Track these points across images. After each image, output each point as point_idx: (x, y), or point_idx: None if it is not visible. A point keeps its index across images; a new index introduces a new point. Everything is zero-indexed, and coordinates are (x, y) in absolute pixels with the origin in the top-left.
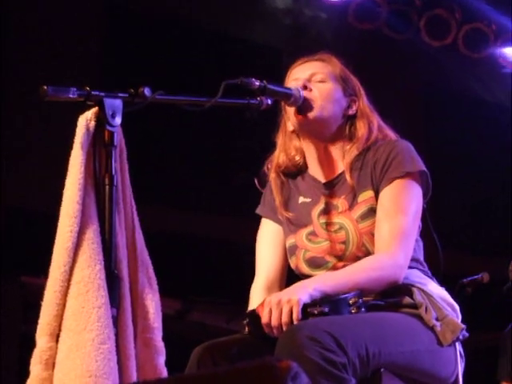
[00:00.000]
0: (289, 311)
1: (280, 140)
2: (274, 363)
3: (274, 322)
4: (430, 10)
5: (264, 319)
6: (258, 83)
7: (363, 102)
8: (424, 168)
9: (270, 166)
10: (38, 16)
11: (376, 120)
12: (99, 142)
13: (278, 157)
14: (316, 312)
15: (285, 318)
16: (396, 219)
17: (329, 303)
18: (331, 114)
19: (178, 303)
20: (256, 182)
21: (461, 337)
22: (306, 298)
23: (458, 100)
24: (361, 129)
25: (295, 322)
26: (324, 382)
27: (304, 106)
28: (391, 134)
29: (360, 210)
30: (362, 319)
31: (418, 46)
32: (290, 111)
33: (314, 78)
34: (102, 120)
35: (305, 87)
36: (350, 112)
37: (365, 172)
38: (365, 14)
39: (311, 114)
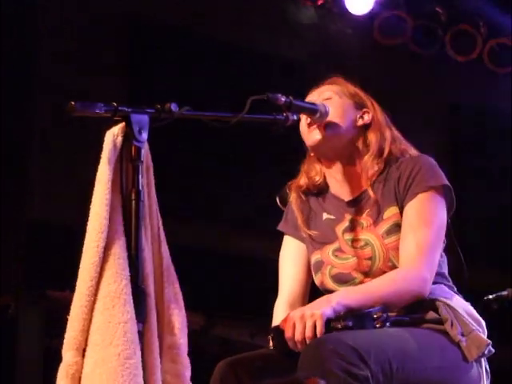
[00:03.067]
0: (312, 325)
1: (304, 167)
2: (302, 380)
3: (298, 337)
4: (455, 25)
5: (287, 333)
6: (283, 99)
7: (377, 115)
8: (447, 182)
9: (291, 187)
10: (65, 31)
11: (390, 132)
12: (126, 158)
13: (300, 179)
14: (340, 326)
15: (308, 333)
16: (420, 232)
17: (353, 318)
18: (341, 126)
19: (202, 318)
20: (278, 201)
21: (486, 352)
22: (329, 313)
23: (483, 114)
24: (372, 139)
25: (318, 337)
26: None
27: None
28: (412, 150)
29: (385, 225)
30: (387, 334)
31: (443, 60)
32: (303, 130)
33: (321, 97)
34: (128, 135)
35: None
36: (361, 122)
37: (388, 187)
38: (390, 29)
39: (315, 135)
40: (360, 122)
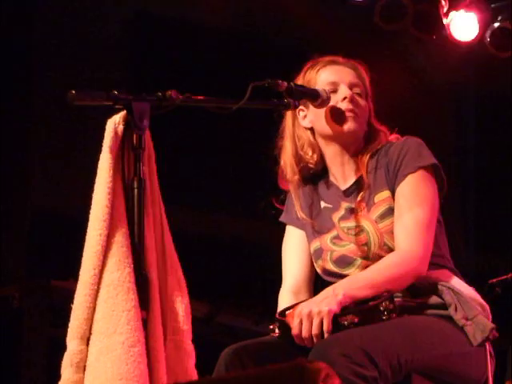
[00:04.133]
0: (319, 323)
1: (289, 129)
2: (306, 364)
3: (305, 334)
4: (456, 9)
5: (295, 330)
6: (285, 84)
7: (374, 115)
8: (435, 161)
9: (284, 168)
10: (65, 22)
11: (387, 131)
12: (128, 146)
13: (292, 150)
14: (346, 323)
15: (315, 330)
16: (413, 212)
17: (359, 312)
18: (363, 129)
19: (206, 306)
20: (274, 202)
21: (491, 337)
22: (336, 309)
23: (489, 99)
24: (375, 140)
25: (326, 334)
26: None
27: (343, 117)
28: (395, 135)
29: (378, 210)
30: (393, 327)
31: (446, 45)
32: (321, 115)
33: (354, 90)
34: (130, 123)
35: (351, 100)
36: (367, 127)
37: (379, 173)
38: (391, 14)
39: (350, 127)
40: (366, 127)
